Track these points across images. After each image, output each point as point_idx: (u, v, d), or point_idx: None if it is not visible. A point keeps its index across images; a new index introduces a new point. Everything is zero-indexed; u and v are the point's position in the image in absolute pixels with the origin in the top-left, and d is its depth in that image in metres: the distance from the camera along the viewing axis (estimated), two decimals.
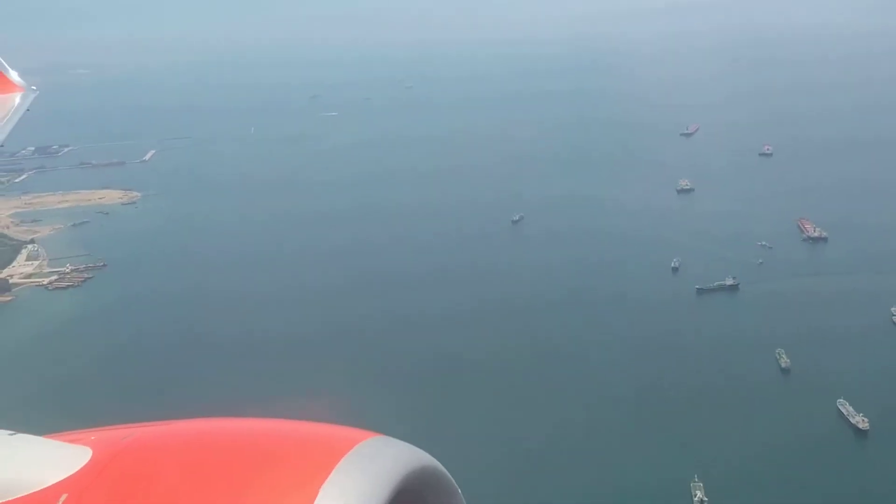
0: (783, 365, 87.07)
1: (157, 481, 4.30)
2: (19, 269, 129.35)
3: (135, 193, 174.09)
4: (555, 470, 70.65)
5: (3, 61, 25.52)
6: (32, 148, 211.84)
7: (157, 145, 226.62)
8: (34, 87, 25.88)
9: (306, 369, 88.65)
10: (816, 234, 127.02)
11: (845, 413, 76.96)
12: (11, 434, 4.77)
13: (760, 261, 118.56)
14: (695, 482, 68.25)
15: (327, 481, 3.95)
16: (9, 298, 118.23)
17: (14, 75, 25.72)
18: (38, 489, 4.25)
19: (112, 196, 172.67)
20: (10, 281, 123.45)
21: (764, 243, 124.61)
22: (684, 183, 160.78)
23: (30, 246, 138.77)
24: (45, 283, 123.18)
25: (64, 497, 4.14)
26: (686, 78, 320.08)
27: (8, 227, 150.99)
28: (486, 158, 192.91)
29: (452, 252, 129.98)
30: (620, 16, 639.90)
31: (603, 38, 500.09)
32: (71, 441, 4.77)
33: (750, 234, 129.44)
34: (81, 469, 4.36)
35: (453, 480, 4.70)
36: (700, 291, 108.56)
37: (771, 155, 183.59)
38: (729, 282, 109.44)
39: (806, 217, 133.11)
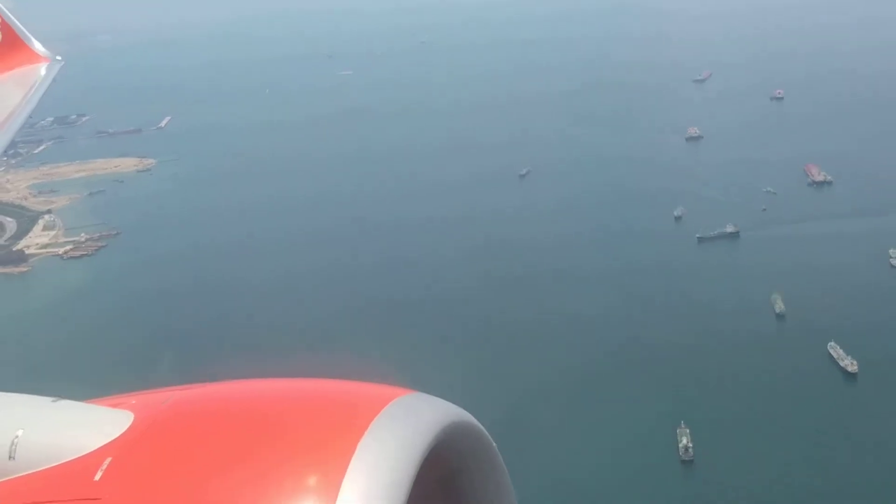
0: (777, 310, 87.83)
1: (198, 443, 4.39)
2: (35, 239, 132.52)
3: (150, 160, 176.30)
4: (542, 420, 72.54)
5: (27, 32, 25.55)
6: (51, 118, 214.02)
7: (172, 111, 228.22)
8: (59, 58, 25.72)
9: (318, 316, 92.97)
10: (821, 179, 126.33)
11: (835, 356, 77.91)
12: (54, 400, 4.88)
13: (764, 207, 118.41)
14: (681, 428, 69.88)
15: (364, 437, 4.05)
16: (25, 269, 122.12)
17: (38, 46, 25.70)
18: (83, 454, 4.34)
19: (127, 164, 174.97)
20: (27, 252, 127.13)
21: (769, 189, 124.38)
22: (693, 130, 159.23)
23: (46, 216, 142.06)
24: (60, 252, 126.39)
25: (108, 461, 4.22)
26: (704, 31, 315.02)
27: (26, 199, 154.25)
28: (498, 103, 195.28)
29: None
30: None
31: None
32: (112, 405, 4.86)
33: (757, 181, 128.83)
34: (124, 433, 4.45)
35: (489, 435, 4.75)
36: (701, 240, 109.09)
37: (782, 99, 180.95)
38: (729, 229, 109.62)
39: (813, 162, 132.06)
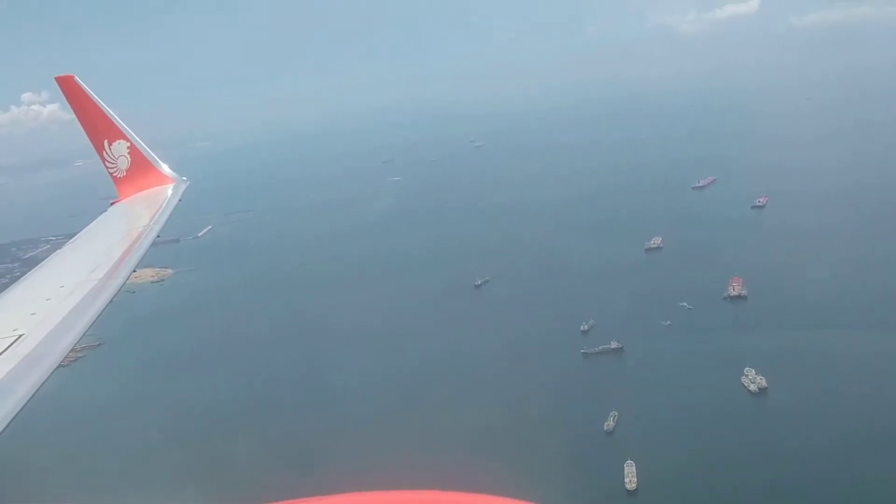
0: (607, 427, 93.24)
1: None
2: None
3: (168, 270, 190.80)
4: None
5: (155, 156, 27.81)
6: None
7: (216, 219, 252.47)
8: (185, 178, 27.96)
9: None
10: (737, 293, 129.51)
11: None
12: None
13: (668, 322, 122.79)
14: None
15: None
16: None
17: (166, 168, 27.83)
18: None
19: (145, 274, 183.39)
20: None
21: (685, 304, 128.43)
22: (655, 241, 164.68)
23: None
24: None
25: None
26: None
27: None
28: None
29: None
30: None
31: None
32: None
33: (683, 294, 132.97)
34: None
35: None
36: (585, 355, 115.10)
37: (763, 207, 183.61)
38: (614, 345, 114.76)
39: (739, 275, 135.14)
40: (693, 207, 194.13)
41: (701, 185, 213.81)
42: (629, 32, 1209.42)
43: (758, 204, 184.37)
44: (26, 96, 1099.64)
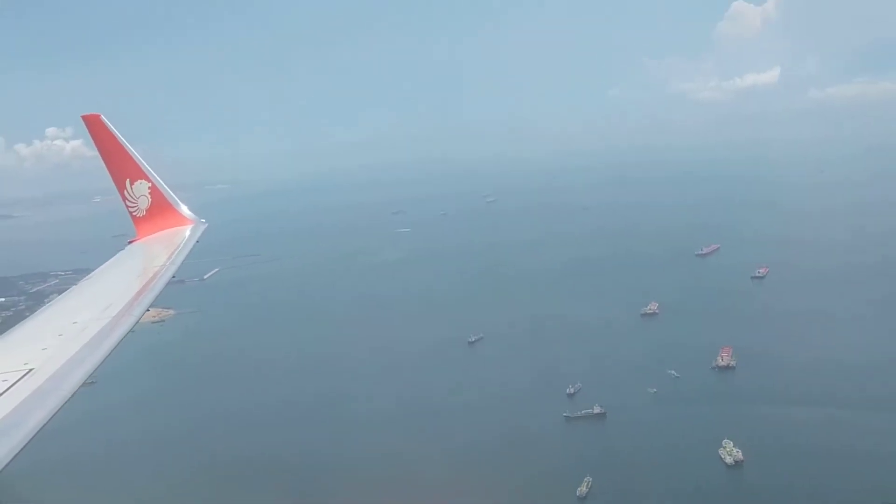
0: (579, 493, 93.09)
1: None
2: None
3: (170, 311, 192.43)
4: None
5: (175, 197, 28.02)
6: None
7: (224, 262, 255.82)
8: (203, 221, 28.03)
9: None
10: (726, 364, 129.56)
11: None
12: None
13: (654, 389, 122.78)
14: None
15: None
16: None
17: (185, 209, 28.06)
18: None
19: (147, 315, 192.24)
20: None
21: (673, 372, 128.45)
22: (652, 307, 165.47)
23: None
24: None
25: None
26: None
27: None
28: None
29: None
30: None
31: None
32: None
33: (674, 362, 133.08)
34: None
35: None
36: (568, 419, 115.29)
37: (763, 278, 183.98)
38: (596, 410, 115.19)
39: (731, 345, 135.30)
40: (694, 274, 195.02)
41: (704, 252, 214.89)
42: (650, 97, 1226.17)
43: (758, 275, 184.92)
44: (51, 131, 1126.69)
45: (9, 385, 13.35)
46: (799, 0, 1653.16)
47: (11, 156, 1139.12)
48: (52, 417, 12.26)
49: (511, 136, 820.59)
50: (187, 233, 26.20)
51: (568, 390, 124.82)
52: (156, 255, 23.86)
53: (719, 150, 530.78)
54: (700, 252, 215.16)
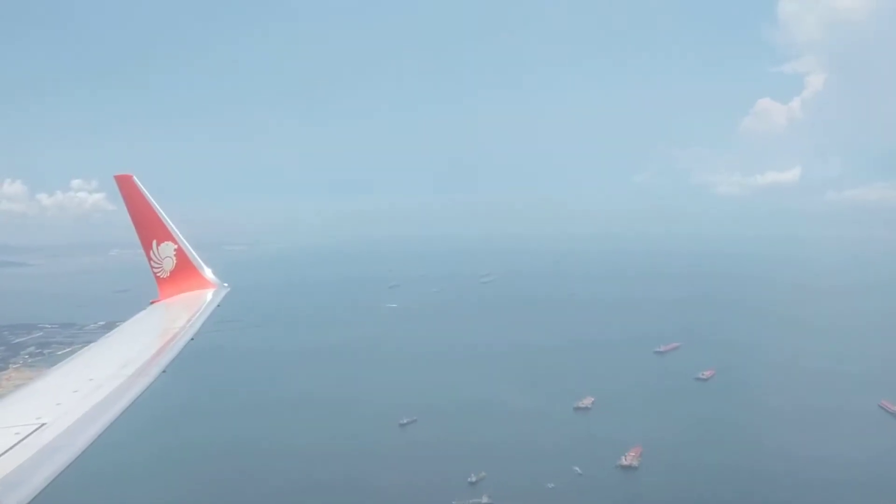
0: None
1: None
2: None
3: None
4: None
5: (200, 260, 27.78)
6: (102, 322, 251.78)
7: (207, 326, 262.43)
8: (226, 285, 27.63)
9: None
10: (628, 463, 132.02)
11: None
12: None
13: (552, 485, 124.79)
14: None
15: None
16: None
17: (209, 273, 27.75)
18: None
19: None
20: None
21: (577, 469, 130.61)
22: (587, 401, 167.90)
23: None
24: None
25: None
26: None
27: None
28: None
29: None
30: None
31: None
32: None
33: (582, 458, 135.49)
34: None
35: None
36: None
37: (707, 381, 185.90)
38: (484, 500, 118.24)
39: (643, 445, 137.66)
40: (643, 371, 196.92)
41: (662, 350, 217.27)
42: (674, 185, 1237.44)
43: (701, 377, 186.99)
44: (76, 182, 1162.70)
45: (20, 438, 13.34)
46: (824, 100, 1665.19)
47: (34, 205, 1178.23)
48: (60, 473, 12.19)
49: (534, 215, 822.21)
50: (209, 296, 26.18)
51: (470, 478, 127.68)
52: (176, 316, 24.07)
53: (726, 244, 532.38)
54: (658, 349, 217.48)
